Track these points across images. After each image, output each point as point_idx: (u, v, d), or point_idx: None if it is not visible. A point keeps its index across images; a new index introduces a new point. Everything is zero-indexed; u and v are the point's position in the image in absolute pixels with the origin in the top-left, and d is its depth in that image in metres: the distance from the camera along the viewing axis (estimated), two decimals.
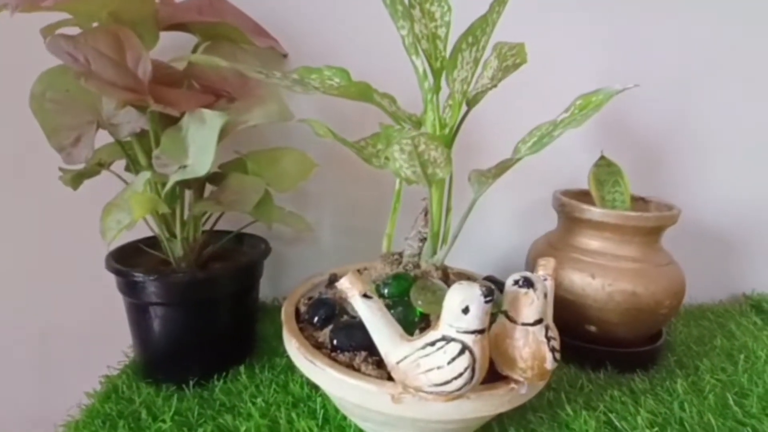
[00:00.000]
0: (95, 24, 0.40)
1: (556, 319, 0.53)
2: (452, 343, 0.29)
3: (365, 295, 0.32)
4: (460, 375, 0.28)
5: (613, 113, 0.67)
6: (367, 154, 0.40)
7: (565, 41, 0.63)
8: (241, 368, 0.50)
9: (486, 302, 0.29)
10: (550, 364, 0.31)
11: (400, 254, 0.44)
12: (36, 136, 0.41)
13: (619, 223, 0.51)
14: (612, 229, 0.52)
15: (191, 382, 0.47)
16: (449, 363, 0.29)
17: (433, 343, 0.30)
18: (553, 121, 0.35)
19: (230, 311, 0.49)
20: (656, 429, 0.43)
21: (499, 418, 0.44)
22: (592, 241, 0.54)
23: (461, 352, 0.29)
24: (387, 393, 0.32)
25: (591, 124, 0.67)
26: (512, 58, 0.44)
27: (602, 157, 0.59)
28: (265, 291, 0.61)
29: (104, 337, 0.52)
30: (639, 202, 0.60)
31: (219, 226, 0.53)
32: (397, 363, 0.31)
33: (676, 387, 0.50)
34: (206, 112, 0.40)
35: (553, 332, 0.33)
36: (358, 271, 0.46)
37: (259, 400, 0.45)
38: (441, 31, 0.40)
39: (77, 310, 0.63)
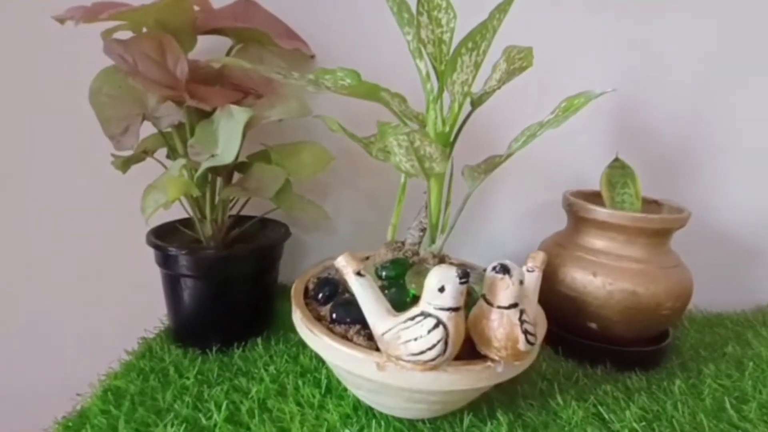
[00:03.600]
0: (144, 29, 0.46)
1: (558, 314, 0.55)
2: (429, 318, 0.32)
3: (358, 273, 0.36)
4: (434, 346, 0.32)
5: (634, 115, 0.67)
6: (373, 149, 0.44)
7: (581, 43, 0.64)
8: (259, 339, 0.55)
9: (461, 283, 0.32)
10: (523, 345, 0.34)
11: (403, 243, 0.47)
12: (93, 125, 0.48)
13: (623, 223, 0.52)
14: (616, 229, 0.53)
15: (214, 348, 0.52)
16: (424, 335, 0.32)
17: (413, 318, 0.33)
18: (540, 122, 0.38)
19: (251, 287, 0.55)
20: (643, 424, 0.45)
21: (489, 401, 0.46)
22: (597, 241, 0.55)
23: (435, 326, 0.32)
24: (373, 361, 0.35)
25: (611, 126, 0.68)
26: (519, 62, 0.47)
27: (617, 159, 0.60)
28: (287, 274, 0.66)
29: (144, 304, 0.58)
30: (652, 205, 0.61)
31: (247, 212, 0.59)
32: (382, 334, 0.35)
33: (674, 388, 0.50)
34: (234, 107, 0.45)
35: (529, 317, 0.35)
36: (367, 258, 0.50)
37: (271, 368, 0.50)
38: (446, 36, 0.43)
39: (123, 279, 0.71)
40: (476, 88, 0.44)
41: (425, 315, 0.33)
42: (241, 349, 0.53)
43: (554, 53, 0.63)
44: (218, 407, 0.43)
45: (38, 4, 0.57)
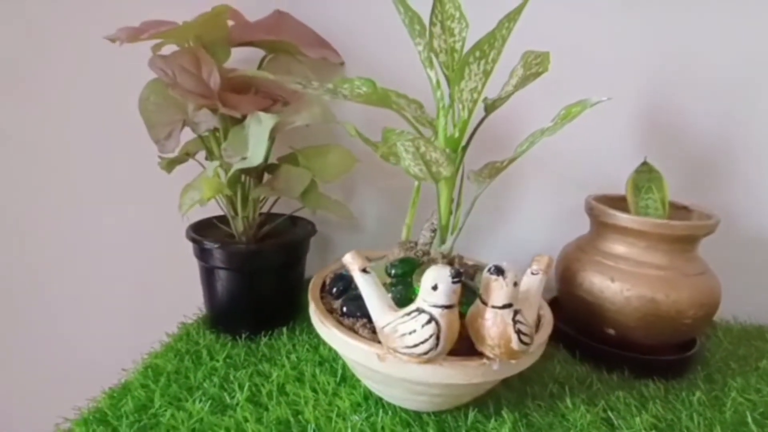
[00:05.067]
0: (187, 44, 0.51)
1: (576, 318, 0.55)
2: (422, 314, 0.34)
3: (364, 270, 0.39)
4: (426, 340, 0.34)
5: (669, 117, 0.65)
6: (385, 153, 0.47)
7: (609, 43, 0.63)
8: (284, 329, 0.59)
9: (453, 282, 0.34)
10: (516, 345, 0.35)
11: (416, 243, 0.49)
12: (141, 130, 0.54)
13: (643, 229, 0.52)
14: (636, 234, 0.52)
15: (243, 335, 0.57)
16: (418, 330, 0.34)
17: (409, 313, 0.35)
18: (541, 129, 0.39)
19: (279, 280, 0.59)
20: None
21: (497, 399, 0.48)
22: (617, 246, 0.54)
23: (428, 322, 0.34)
24: (374, 352, 0.38)
25: (646, 129, 0.66)
26: (536, 67, 0.47)
27: (644, 163, 0.59)
28: (315, 269, 0.70)
29: (185, 293, 0.64)
30: (681, 210, 0.59)
31: (280, 211, 0.63)
32: (382, 327, 0.37)
33: (693, 399, 0.49)
34: (262, 114, 0.49)
35: (525, 318, 0.36)
36: (384, 256, 0.52)
37: (293, 356, 0.54)
38: (458, 45, 0.45)
39: (167, 270, 0.78)
40: (493, 93, 0.46)
41: (420, 311, 0.35)
42: (267, 337, 0.58)
43: (580, 55, 0.63)
44: (241, 388, 0.48)
45: (97, 23, 0.64)
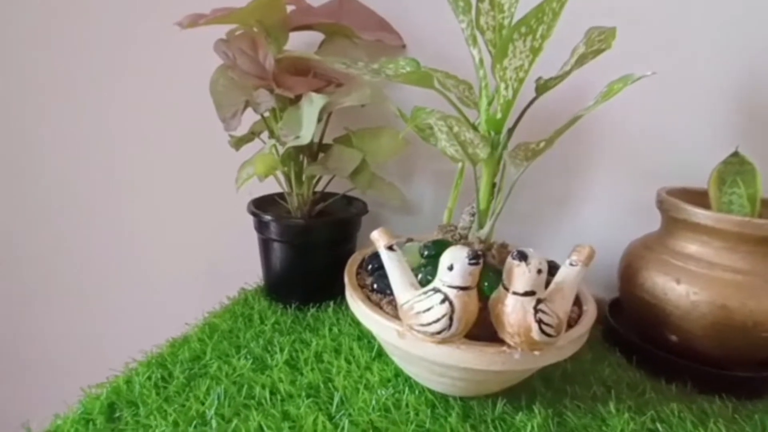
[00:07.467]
0: (250, 29, 0.55)
1: (635, 321, 0.51)
2: (438, 294, 0.34)
3: (389, 248, 0.39)
4: (438, 320, 0.34)
5: None
6: (426, 134, 0.46)
7: (697, 13, 0.56)
8: (331, 303, 0.62)
9: (470, 264, 0.33)
10: (536, 334, 0.34)
11: (456, 226, 0.49)
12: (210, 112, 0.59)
13: (719, 227, 0.46)
14: (710, 233, 0.47)
15: (293, 305, 0.61)
16: (431, 309, 0.34)
17: (426, 292, 0.35)
18: (583, 108, 0.36)
19: (329, 255, 0.61)
20: None
21: (531, 393, 0.46)
22: (688, 245, 0.49)
23: (442, 302, 0.34)
24: (394, 328, 0.38)
25: (745, 116, 0.58)
26: (599, 44, 0.44)
27: (735, 153, 0.52)
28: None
29: (250, 262, 0.69)
30: None
31: (338, 191, 0.66)
32: (402, 305, 0.37)
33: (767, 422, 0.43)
34: (313, 94, 0.52)
35: (549, 309, 0.34)
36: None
37: (335, 328, 0.56)
38: (506, 22, 0.43)
39: (237, 241, 0.85)
40: (550, 72, 0.43)
41: (436, 290, 0.34)
42: (315, 308, 0.61)
43: (660, 27, 0.57)
44: (282, 352, 0.51)
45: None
